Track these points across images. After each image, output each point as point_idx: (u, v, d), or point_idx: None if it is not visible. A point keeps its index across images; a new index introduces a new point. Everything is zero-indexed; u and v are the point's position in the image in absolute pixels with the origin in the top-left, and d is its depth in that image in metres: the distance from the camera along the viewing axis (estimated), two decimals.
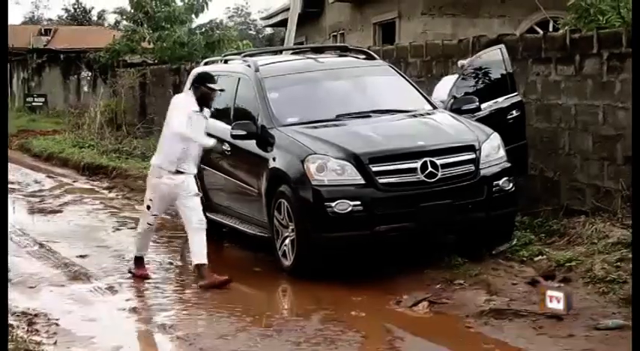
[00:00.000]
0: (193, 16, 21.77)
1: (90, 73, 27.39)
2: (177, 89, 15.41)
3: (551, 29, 13.22)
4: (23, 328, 6.29)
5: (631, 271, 6.50)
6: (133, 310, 6.97)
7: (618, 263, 6.72)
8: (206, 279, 7.44)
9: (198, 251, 7.52)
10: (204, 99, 7.72)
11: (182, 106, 7.66)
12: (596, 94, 8.44)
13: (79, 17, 54.41)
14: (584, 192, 8.59)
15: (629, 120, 8.08)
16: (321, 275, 7.39)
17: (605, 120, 8.36)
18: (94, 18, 51.82)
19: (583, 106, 8.60)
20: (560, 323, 5.98)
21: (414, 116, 8.37)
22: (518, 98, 8.76)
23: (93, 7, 59.75)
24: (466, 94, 8.64)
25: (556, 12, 13.17)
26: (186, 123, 7.53)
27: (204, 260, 7.50)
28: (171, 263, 8.70)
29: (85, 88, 29.57)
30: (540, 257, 7.36)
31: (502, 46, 8.95)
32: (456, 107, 8.40)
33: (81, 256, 8.81)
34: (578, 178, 8.69)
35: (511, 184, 7.70)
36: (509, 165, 7.79)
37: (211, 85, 7.75)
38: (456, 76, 9.01)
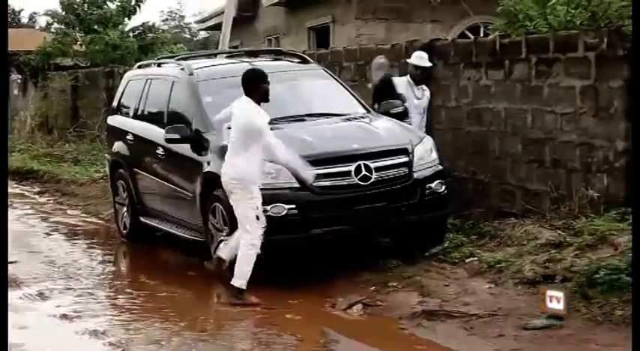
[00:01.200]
0: (126, 18, 21.52)
1: (20, 77, 26.88)
2: (111, 92, 15.23)
3: (481, 34, 13.47)
4: None
5: (558, 273, 6.67)
6: (64, 316, 6.88)
7: (547, 264, 6.85)
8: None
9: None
10: (265, 96, 7.37)
11: (259, 114, 7.17)
12: (525, 99, 8.62)
13: (9, 19, 53.39)
14: (514, 194, 8.76)
15: (557, 124, 8.27)
16: (256, 279, 7.37)
17: (534, 124, 8.53)
18: (25, 20, 50.87)
19: (513, 110, 8.77)
20: (490, 324, 6.09)
21: (349, 120, 8.43)
22: None
23: (23, 9, 58.50)
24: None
25: (486, 17, 13.43)
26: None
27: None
28: (103, 269, 8.60)
29: (15, 92, 29.01)
30: (472, 259, 7.46)
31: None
32: (383, 111, 8.52)
33: (11, 263, 8.64)
34: (508, 181, 8.86)
35: (443, 187, 7.81)
36: (441, 168, 7.91)
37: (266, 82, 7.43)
38: (406, 78, 9.14)
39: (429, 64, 9.14)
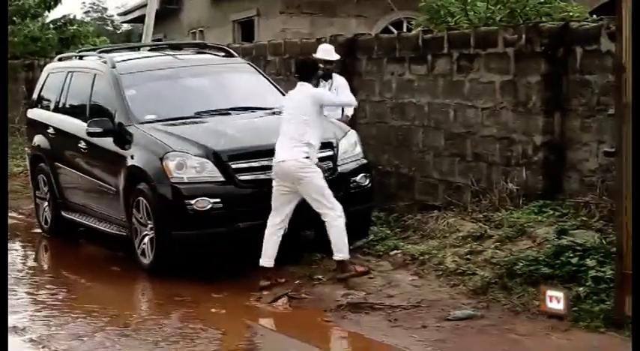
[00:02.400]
0: (46, 11, 21.08)
1: None
2: (31, 85, 14.91)
3: (405, 30, 13.62)
4: None
5: (479, 264, 6.81)
6: None
7: (468, 256, 6.98)
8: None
9: None
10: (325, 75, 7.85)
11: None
12: (447, 93, 8.75)
13: None
14: (437, 187, 8.90)
15: (478, 118, 8.43)
16: (180, 273, 7.35)
17: (456, 118, 8.68)
18: None
19: (435, 105, 8.89)
20: (413, 315, 6.17)
21: (274, 114, 8.42)
22: None
23: None
24: None
25: (409, 13, 13.58)
26: None
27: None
28: (24, 264, 8.44)
29: None
30: (396, 251, 7.55)
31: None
32: None
33: None
34: (432, 174, 8.99)
35: (368, 180, 7.88)
36: (365, 161, 7.99)
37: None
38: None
39: (336, 57, 8.83)
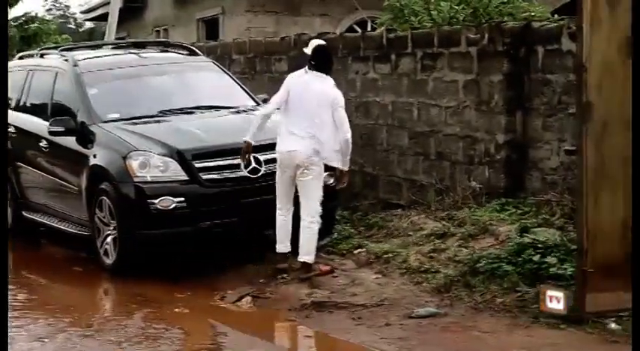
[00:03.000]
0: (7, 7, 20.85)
1: None
2: None
3: (369, 29, 13.66)
4: None
5: (442, 262, 6.85)
6: None
7: (431, 254, 7.02)
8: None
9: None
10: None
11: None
12: (411, 92, 8.80)
13: None
14: (401, 186, 8.94)
15: (441, 117, 8.48)
16: (144, 273, 7.31)
17: (420, 117, 8.72)
18: None
19: (399, 104, 8.93)
20: (377, 313, 6.18)
21: (238, 112, 8.43)
22: None
23: None
24: None
25: (374, 12, 13.61)
26: None
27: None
28: None
29: None
30: (360, 250, 7.56)
31: None
32: None
33: None
34: (396, 173, 9.03)
35: (332, 179, 7.88)
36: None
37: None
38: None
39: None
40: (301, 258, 6.96)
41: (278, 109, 7.13)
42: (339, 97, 7.03)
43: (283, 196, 7.08)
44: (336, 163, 7.04)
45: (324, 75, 7.07)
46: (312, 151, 6.91)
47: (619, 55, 5.38)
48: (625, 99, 5.39)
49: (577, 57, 5.51)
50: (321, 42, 8.33)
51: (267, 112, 7.18)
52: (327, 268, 7.07)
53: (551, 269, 6.07)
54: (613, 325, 5.45)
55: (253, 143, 7.26)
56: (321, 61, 7.14)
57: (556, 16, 8.86)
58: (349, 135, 6.98)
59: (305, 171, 6.93)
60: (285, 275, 7.04)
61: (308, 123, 6.92)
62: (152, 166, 7.34)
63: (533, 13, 9.91)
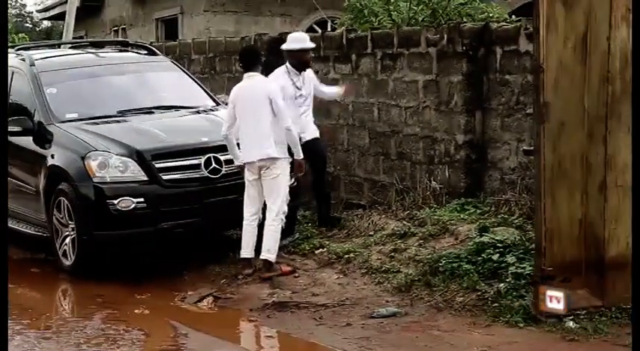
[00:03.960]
0: None
1: None
2: None
3: (329, 29, 13.68)
4: None
5: (403, 262, 6.89)
6: None
7: (392, 254, 7.05)
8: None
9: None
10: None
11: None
12: (371, 92, 8.82)
13: None
14: (362, 186, 8.96)
15: (402, 117, 8.52)
16: (103, 275, 7.25)
17: (380, 117, 8.76)
18: None
19: (360, 104, 8.96)
20: (338, 313, 6.20)
21: (198, 112, 8.41)
22: None
23: None
24: None
25: (334, 12, 13.64)
26: None
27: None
28: None
29: None
30: (321, 250, 7.56)
31: None
32: None
33: None
34: (357, 173, 9.05)
35: (293, 179, 7.88)
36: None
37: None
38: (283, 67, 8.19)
39: (302, 46, 7.81)
40: (262, 256, 6.96)
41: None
42: (271, 89, 7.02)
43: (250, 202, 7.05)
44: (283, 154, 7.02)
45: (254, 73, 7.08)
46: (269, 151, 6.91)
47: (575, 55, 5.43)
48: (581, 99, 5.46)
49: (534, 58, 5.55)
50: (300, 34, 8.23)
51: (225, 134, 7.15)
52: (289, 268, 7.07)
53: (510, 268, 6.13)
54: (571, 324, 5.52)
55: (211, 145, 7.37)
56: (246, 62, 7.19)
57: (514, 17, 8.95)
58: (288, 124, 6.95)
59: (267, 171, 6.94)
60: (247, 275, 7.02)
61: (255, 125, 6.94)
62: (111, 167, 7.29)
63: (491, 14, 10.00)
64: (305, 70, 7.84)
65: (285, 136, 6.97)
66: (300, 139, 7.43)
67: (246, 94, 7.03)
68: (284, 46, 7.85)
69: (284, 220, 7.04)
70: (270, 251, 6.96)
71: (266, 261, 6.96)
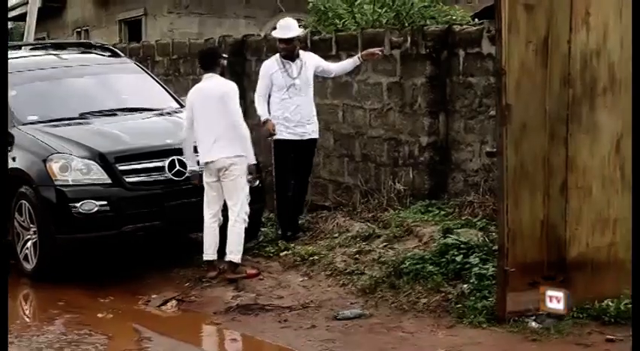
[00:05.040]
0: None
1: None
2: None
3: None
4: None
5: (368, 264, 6.91)
6: None
7: (357, 256, 7.07)
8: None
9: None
10: (224, 71, 7.25)
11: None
12: (336, 94, 8.84)
13: None
14: (327, 188, 8.98)
15: (366, 119, 8.55)
16: (65, 278, 7.19)
17: (345, 119, 8.78)
18: None
19: (325, 106, 8.96)
20: (303, 315, 6.20)
21: (161, 114, 8.37)
22: None
23: None
24: None
25: (298, 14, 13.59)
26: None
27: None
28: None
29: None
30: (286, 252, 7.56)
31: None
32: None
33: None
34: (321, 175, 9.07)
35: (258, 181, 7.87)
36: (256, 162, 7.97)
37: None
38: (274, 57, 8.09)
39: (291, 35, 7.72)
40: (227, 257, 6.94)
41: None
42: (227, 90, 6.97)
43: (209, 203, 7.03)
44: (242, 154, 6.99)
45: (212, 73, 7.04)
46: (227, 153, 6.90)
47: (536, 58, 5.48)
48: (542, 101, 5.51)
49: (496, 60, 5.60)
50: (284, 22, 7.90)
51: (185, 137, 7.16)
52: (254, 271, 7.06)
53: (473, 269, 6.16)
54: (533, 324, 5.55)
55: (175, 147, 7.32)
56: (204, 63, 7.17)
57: (476, 19, 9.01)
58: (241, 129, 6.94)
59: (226, 172, 6.93)
60: (211, 278, 6.99)
61: (212, 128, 6.92)
62: (73, 169, 7.22)
63: (454, 17, 10.07)
64: (294, 60, 7.73)
65: (240, 139, 6.94)
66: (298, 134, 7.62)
67: (203, 95, 7.02)
68: (274, 33, 7.92)
69: (247, 220, 7.02)
70: (234, 252, 6.93)
71: (231, 262, 6.94)
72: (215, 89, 6.98)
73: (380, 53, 7.85)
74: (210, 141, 6.94)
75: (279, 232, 7.99)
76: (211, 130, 6.93)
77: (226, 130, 6.91)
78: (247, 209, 7.02)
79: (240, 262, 6.99)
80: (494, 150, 5.82)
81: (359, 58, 7.86)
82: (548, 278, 5.76)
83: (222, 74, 7.10)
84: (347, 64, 8.03)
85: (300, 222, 8.14)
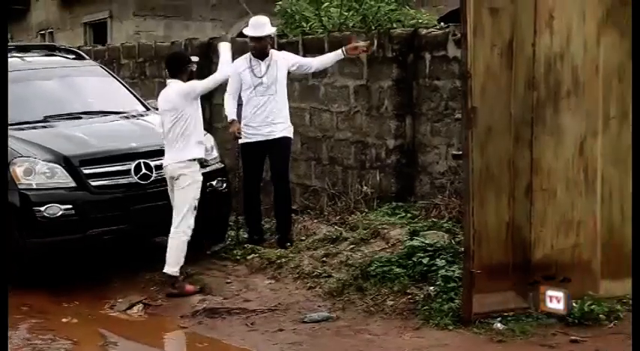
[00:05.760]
0: None
1: None
2: None
3: None
4: None
5: (335, 267, 6.92)
6: None
7: (324, 258, 7.08)
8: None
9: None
10: (191, 77, 7.07)
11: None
12: (303, 97, 8.86)
13: None
14: (294, 191, 8.97)
15: (333, 122, 8.57)
16: (29, 283, 7.11)
17: (312, 122, 8.79)
18: None
19: (291, 109, 8.92)
20: (270, 319, 6.20)
21: (127, 118, 8.32)
22: None
23: None
24: None
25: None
26: None
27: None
28: None
29: None
30: (253, 255, 7.55)
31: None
32: None
33: None
34: (289, 179, 9.04)
35: (224, 185, 7.86)
36: (222, 165, 7.97)
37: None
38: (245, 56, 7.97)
39: (252, 34, 7.62)
40: (165, 269, 6.87)
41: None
42: (183, 88, 6.87)
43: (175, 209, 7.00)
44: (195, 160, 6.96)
45: (175, 80, 6.97)
46: (178, 162, 6.88)
47: (501, 61, 5.53)
48: (507, 104, 5.56)
49: (462, 63, 5.64)
50: (255, 20, 7.70)
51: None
52: (192, 287, 6.91)
53: (439, 271, 6.19)
54: (499, 325, 5.59)
55: (140, 150, 7.33)
56: (169, 68, 7.12)
57: (442, 23, 9.07)
58: (224, 72, 6.98)
59: (176, 181, 6.90)
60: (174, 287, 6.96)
61: (169, 133, 6.92)
62: (37, 173, 7.16)
63: (420, 21, 10.14)
64: (263, 59, 7.63)
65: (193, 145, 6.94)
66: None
67: (162, 100, 7.02)
68: (245, 31, 7.81)
69: (189, 233, 6.89)
70: (171, 265, 6.85)
71: (170, 276, 6.87)
72: (171, 95, 6.93)
73: (365, 48, 7.58)
74: (166, 145, 6.96)
75: (246, 236, 7.98)
76: (171, 136, 6.92)
77: (178, 136, 6.87)
78: (191, 223, 6.89)
79: (177, 275, 6.88)
80: (460, 152, 5.86)
81: (343, 52, 7.61)
82: (548, 278, 5.74)
83: (190, 79, 7.02)
84: (328, 58, 7.77)
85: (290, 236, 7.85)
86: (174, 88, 6.92)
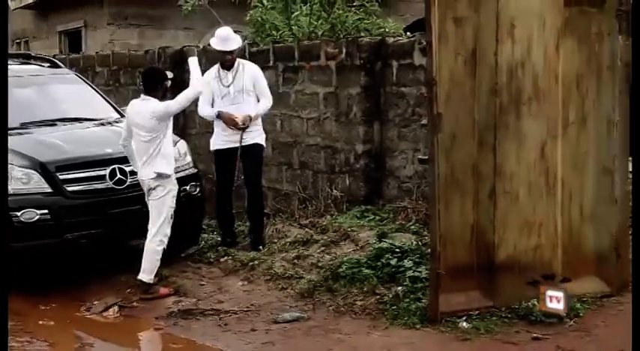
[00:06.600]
0: None
1: None
2: None
3: None
4: None
5: (306, 268, 7.06)
6: None
7: (295, 260, 7.20)
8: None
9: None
10: (166, 93, 7.12)
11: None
12: (274, 104, 8.96)
13: None
14: (266, 195, 9.10)
15: (304, 128, 8.72)
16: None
17: (283, 128, 8.92)
18: None
19: (263, 116, 9.08)
20: (243, 319, 6.32)
21: (102, 124, 8.40)
22: None
23: None
24: None
25: (236, 26, 13.70)
26: None
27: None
28: None
29: None
30: (226, 258, 7.66)
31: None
32: None
33: None
34: (262, 183, 9.18)
35: (198, 189, 7.98)
36: (195, 170, 8.08)
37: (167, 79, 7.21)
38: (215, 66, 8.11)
39: (233, 48, 7.78)
40: (140, 276, 6.98)
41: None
42: (159, 111, 6.91)
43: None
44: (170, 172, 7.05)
45: (149, 97, 7.00)
46: (153, 174, 6.98)
47: (465, 69, 5.66)
48: (471, 110, 5.71)
49: (427, 71, 5.74)
50: (223, 32, 7.88)
51: (122, 143, 7.25)
52: (167, 290, 7.03)
53: (407, 272, 6.33)
54: (464, 324, 5.71)
55: (115, 156, 7.41)
56: (145, 84, 7.19)
57: (408, 32, 9.25)
58: (195, 90, 7.05)
59: (151, 192, 7.02)
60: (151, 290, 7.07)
61: (141, 147, 7.01)
62: (14, 179, 7.22)
63: (387, 29, 10.27)
64: (229, 69, 7.76)
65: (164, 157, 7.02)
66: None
67: (135, 114, 7.04)
68: (211, 41, 7.95)
69: (164, 242, 7.01)
70: (145, 272, 6.96)
71: (142, 282, 6.98)
72: (144, 112, 6.95)
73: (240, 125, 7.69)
74: (140, 160, 7.04)
75: (220, 239, 8.11)
76: (143, 150, 7.00)
77: (152, 151, 6.95)
78: (167, 232, 7.01)
79: (152, 282, 6.99)
80: (426, 157, 5.97)
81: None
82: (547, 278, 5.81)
83: (164, 96, 7.07)
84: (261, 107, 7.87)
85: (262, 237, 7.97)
86: (150, 108, 6.93)
